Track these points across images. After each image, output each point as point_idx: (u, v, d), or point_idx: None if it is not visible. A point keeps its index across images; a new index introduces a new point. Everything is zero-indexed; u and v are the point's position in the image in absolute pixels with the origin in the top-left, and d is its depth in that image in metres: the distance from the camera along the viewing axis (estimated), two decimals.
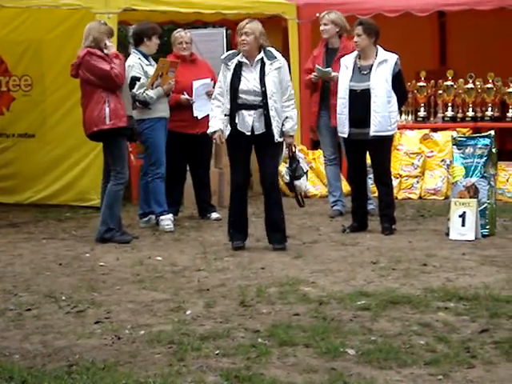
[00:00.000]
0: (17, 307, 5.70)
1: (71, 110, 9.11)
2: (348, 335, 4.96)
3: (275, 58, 7.20)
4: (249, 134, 7.16)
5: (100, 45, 7.60)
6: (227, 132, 7.21)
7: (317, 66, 8.57)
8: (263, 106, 7.12)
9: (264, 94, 7.10)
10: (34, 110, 9.77)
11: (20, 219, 9.03)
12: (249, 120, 7.14)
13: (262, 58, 7.17)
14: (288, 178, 7.49)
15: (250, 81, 7.15)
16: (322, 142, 9.02)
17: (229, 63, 7.18)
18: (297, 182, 7.49)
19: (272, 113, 7.10)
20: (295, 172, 7.45)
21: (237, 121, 7.16)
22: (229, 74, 7.16)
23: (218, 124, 7.18)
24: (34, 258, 7.19)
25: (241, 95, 7.15)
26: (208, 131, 7.28)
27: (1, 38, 9.81)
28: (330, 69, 8.48)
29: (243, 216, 7.39)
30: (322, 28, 8.74)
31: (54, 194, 9.65)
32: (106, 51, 7.62)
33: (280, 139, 7.20)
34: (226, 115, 7.19)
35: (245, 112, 7.15)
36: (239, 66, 7.16)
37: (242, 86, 7.13)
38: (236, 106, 7.15)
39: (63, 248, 7.58)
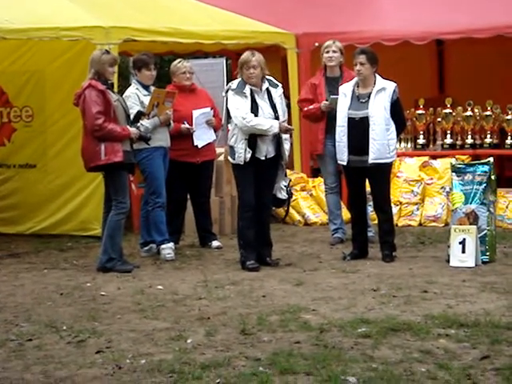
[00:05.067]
0: (18, 337, 5.70)
1: (72, 141, 9.13)
2: (349, 363, 4.96)
3: (277, 85, 7.78)
4: (263, 158, 7.59)
5: (104, 76, 7.64)
6: (248, 155, 7.51)
7: (332, 96, 8.45)
8: None
9: (277, 119, 7.62)
10: (35, 140, 9.80)
11: (21, 249, 9.04)
12: (263, 145, 7.56)
13: (268, 87, 7.66)
14: (285, 193, 7.85)
15: (264, 108, 7.58)
16: (324, 170, 8.97)
17: (244, 91, 7.53)
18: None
19: (283, 136, 7.67)
20: (289, 187, 7.93)
21: (255, 146, 7.53)
22: (248, 102, 7.53)
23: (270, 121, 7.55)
24: (35, 288, 7.20)
25: None
26: (275, 129, 7.51)
27: (2, 69, 9.87)
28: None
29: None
30: (330, 55, 8.65)
31: (55, 224, 9.65)
32: (111, 78, 7.70)
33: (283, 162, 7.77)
34: (245, 139, 7.52)
35: (260, 138, 7.56)
36: (252, 94, 7.56)
37: (260, 113, 7.56)
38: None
39: (64, 278, 7.59)
